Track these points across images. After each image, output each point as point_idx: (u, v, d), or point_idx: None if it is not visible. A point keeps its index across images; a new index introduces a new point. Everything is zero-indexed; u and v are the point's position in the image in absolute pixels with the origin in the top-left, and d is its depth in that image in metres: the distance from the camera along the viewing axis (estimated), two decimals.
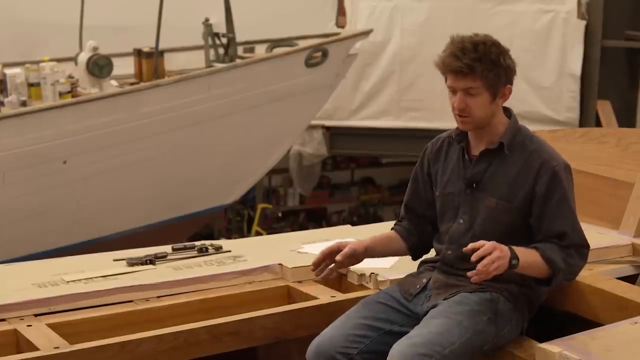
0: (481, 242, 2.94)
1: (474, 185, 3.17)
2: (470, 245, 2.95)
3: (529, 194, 3.10)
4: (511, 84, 3.10)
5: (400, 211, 3.48)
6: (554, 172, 3.08)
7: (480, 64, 3.01)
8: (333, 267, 3.30)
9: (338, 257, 3.24)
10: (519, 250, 3.00)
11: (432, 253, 3.40)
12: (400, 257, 3.66)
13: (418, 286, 3.23)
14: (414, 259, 3.43)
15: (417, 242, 3.41)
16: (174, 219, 8.45)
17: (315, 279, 3.63)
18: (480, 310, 3.04)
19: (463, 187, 3.19)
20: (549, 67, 9.71)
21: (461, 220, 3.20)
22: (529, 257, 3.02)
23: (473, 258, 2.91)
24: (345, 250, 3.25)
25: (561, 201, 3.08)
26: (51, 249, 7.42)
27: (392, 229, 3.46)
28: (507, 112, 3.20)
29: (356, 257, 3.30)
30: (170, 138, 7.89)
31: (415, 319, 3.12)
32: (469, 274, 2.92)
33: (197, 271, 3.70)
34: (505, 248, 2.95)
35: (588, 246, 3.17)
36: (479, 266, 2.89)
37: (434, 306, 3.12)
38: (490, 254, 2.89)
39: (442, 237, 3.29)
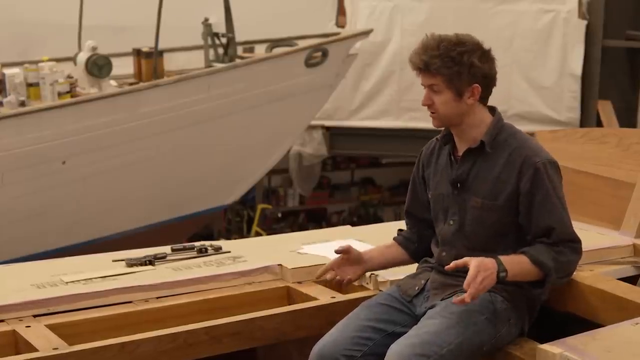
0: (464, 259, 2.96)
1: (459, 185, 3.17)
2: (453, 264, 2.97)
3: (514, 192, 3.10)
4: (480, 83, 3.08)
5: (401, 214, 3.50)
6: (537, 169, 3.07)
7: (438, 60, 3.04)
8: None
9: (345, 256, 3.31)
10: (507, 260, 2.99)
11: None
12: None
13: (417, 287, 3.23)
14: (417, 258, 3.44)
15: (416, 248, 3.42)
16: (174, 219, 8.44)
17: (315, 280, 3.63)
18: (477, 310, 3.03)
19: (450, 188, 3.20)
20: (549, 67, 9.70)
21: (451, 222, 3.21)
22: (517, 265, 3.02)
23: (455, 301, 2.94)
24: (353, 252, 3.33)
25: (546, 197, 3.07)
26: (50, 250, 7.41)
27: (393, 238, 3.50)
28: (492, 110, 3.20)
29: (355, 260, 3.36)
30: (169, 138, 7.88)
31: (416, 319, 3.12)
32: (455, 300, 2.94)
33: (197, 272, 3.69)
34: (490, 263, 2.95)
35: (579, 240, 3.15)
36: (468, 291, 2.90)
37: (431, 306, 3.12)
38: (475, 278, 2.91)
39: (436, 240, 3.30)
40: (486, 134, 3.13)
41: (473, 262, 2.93)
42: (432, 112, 3.13)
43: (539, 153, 3.12)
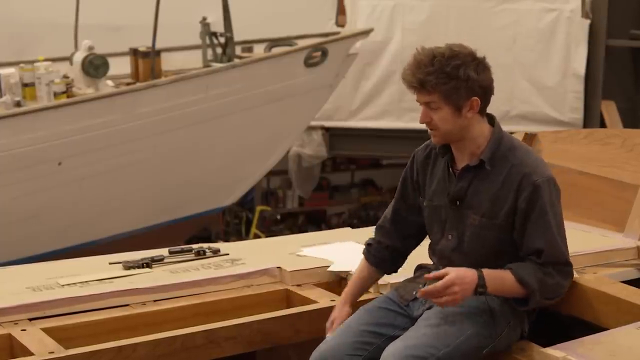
0: (445, 270, 2.93)
1: (458, 202, 3.12)
2: (432, 274, 2.95)
3: (512, 210, 3.05)
4: (478, 95, 3.01)
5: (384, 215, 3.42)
6: (535, 187, 3.02)
7: (433, 77, 2.97)
8: None
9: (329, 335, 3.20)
10: (490, 275, 2.96)
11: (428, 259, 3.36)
12: None
13: (415, 292, 3.18)
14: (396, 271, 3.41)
15: (391, 264, 3.37)
16: (171, 221, 8.42)
17: (315, 282, 3.62)
18: (476, 313, 3.02)
19: (448, 203, 3.15)
20: (552, 66, 9.66)
21: (449, 236, 3.17)
22: (499, 281, 2.98)
23: (419, 295, 2.95)
24: (335, 327, 3.21)
25: (540, 217, 3.02)
26: (46, 252, 7.40)
27: (364, 255, 3.39)
28: (491, 120, 3.14)
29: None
30: (167, 139, 7.85)
31: (414, 323, 3.09)
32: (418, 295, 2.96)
33: (195, 275, 3.68)
34: (470, 277, 2.92)
35: (569, 263, 3.11)
36: (434, 301, 2.92)
37: (429, 308, 3.09)
38: (442, 291, 2.89)
39: (434, 250, 3.25)
40: (486, 151, 3.07)
41: (452, 274, 2.90)
42: (432, 130, 3.07)
43: (537, 170, 3.06)
